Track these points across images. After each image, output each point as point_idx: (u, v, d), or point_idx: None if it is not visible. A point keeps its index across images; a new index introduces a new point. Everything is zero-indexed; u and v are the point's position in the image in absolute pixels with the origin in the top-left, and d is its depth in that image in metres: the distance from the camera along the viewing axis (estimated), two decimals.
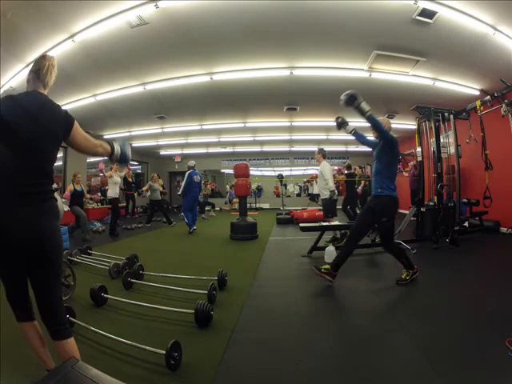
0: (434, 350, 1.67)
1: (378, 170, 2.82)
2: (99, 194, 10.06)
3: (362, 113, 2.47)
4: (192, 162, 6.55)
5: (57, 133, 1.25)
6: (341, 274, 3.21)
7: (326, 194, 4.65)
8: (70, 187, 5.75)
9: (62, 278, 1.30)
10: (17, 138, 1.16)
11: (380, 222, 2.75)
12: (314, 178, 10.51)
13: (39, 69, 1.30)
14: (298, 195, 14.06)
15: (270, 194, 13.68)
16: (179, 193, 6.40)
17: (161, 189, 8.37)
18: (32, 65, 1.35)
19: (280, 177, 9.48)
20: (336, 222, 4.59)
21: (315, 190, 9.71)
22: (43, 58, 1.34)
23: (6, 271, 1.24)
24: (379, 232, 2.82)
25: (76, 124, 1.30)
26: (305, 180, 12.94)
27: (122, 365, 1.58)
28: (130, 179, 9.58)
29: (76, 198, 5.72)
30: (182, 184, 6.32)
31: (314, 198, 9.82)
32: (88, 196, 6.82)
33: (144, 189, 8.31)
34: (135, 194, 9.93)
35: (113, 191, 6.34)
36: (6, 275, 1.25)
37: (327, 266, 2.84)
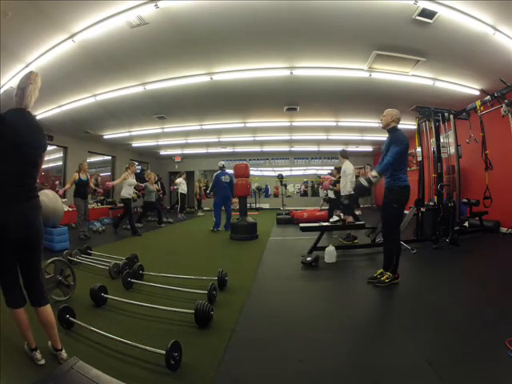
0: (434, 350, 1.67)
1: None
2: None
3: (372, 180, 2.77)
4: (221, 163, 6.79)
5: (43, 147, 1.56)
6: (340, 274, 3.21)
7: (345, 191, 4.80)
8: (74, 176, 5.47)
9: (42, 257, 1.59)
10: (19, 146, 1.39)
11: (391, 207, 2.83)
12: (326, 179, 10.11)
13: (24, 87, 1.46)
14: (305, 194, 13.82)
15: (270, 194, 13.70)
16: (208, 191, 6.75)
17: (156, 188, 8.12)
18: (19, 81, 1.50)
19: (280, 177, 9.48)
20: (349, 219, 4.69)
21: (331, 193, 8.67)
22: (28, 78, 1.51)
23: (3, 260, 1.43)
24: (385, 218, 2.90)
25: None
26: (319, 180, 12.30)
27: (122, 365, 1.57)
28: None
29: (80, 188, 5.45)
30: (210, 184, 6.63)
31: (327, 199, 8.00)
32: (93, 186, 6.33)
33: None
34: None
35: (126, 192, 6.07)
36: (2, 264, 1.44)
37: (388, 274, 2.83)
